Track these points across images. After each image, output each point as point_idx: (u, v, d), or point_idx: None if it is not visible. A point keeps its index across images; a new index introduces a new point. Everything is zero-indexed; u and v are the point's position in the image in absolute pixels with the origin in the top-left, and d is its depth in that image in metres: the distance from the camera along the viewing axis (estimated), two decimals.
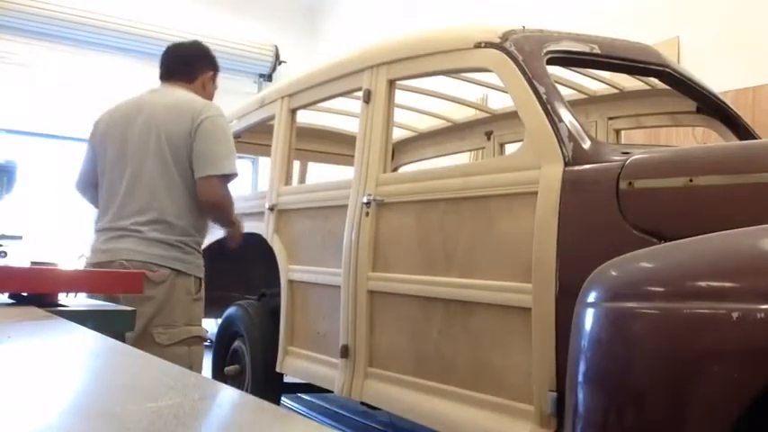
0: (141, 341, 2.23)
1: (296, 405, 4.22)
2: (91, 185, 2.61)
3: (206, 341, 2.56)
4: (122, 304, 2.11)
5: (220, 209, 2.53)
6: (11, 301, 1.52)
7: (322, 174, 4.39)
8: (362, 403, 2.75)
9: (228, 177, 2.46)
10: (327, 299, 2.91)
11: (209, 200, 2.44)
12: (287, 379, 3.39)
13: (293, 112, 3.39)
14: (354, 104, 3.07)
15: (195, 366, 2.42)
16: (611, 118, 3.23)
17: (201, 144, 2.40)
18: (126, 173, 2.43)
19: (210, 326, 4.49)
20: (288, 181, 3.40)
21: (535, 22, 2.42)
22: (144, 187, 2.40)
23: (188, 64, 2.59)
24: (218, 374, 3.63)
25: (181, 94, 2.51)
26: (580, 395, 1.47)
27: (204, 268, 2.61)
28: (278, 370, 3.21)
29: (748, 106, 3.58)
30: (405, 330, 2.48)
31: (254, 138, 4.08)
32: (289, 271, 3.19)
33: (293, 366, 3.14)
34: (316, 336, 3.03)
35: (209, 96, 2.62)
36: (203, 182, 2.41)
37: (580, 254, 1.86)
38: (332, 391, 2.84)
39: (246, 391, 3.27)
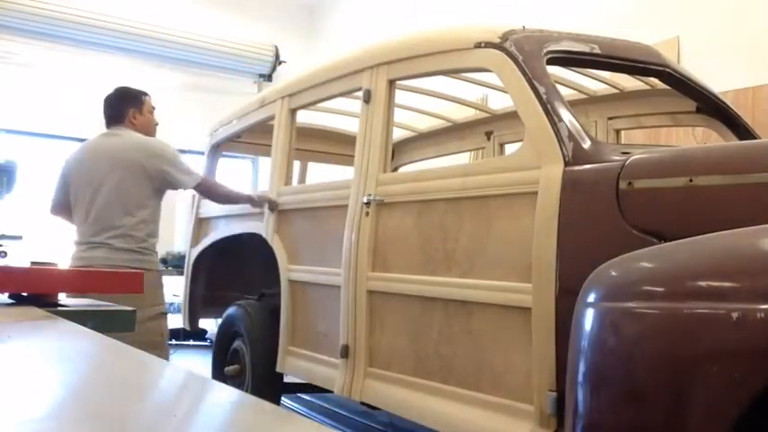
0: None
1: (296, 405, 4.22)
2: (64, 209, 3.31)
3: (167, 314, 3.27)
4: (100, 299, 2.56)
5: (220, 198, 3.53)
6: (11, 301, 1.53)
7: (322, 174, 4.39)
8: (362, 403, 2.75)
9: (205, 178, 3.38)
10: (327, 299, 2.91)
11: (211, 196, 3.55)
12: (287, 379, 3.39)
13: (293, 112, 3.39)
14: (354, 104, 3.07)
15: (165, 333, 3.18)
16: (611, 118, 3.23)
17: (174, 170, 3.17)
18: (96, 198, 3.12)
19: (210, 326, 4.50)
20: (288, 181, 3.40)
21: (535, 22, 2.42)
22: (111, 209, 3.10)
23: (114, 114, 3.32)
24: (218, 374, 3.62)
25: (130, 137, 3.22)
26: (580, 395, 1.47)
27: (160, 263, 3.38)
28: (278, 370, 3.21)
29: (748, 106, 3.58)
30: (405, 330, 2.48)
31: (254, 138, 4.08)
32: (288, 271, 3.19)
33: (294, 366, 3.14)
34: (316, 335, 3.03)
35: (142, 123, 3.31)
36: (197, 190, 3.39)
37: (580, 254, 1.86)
38: (332, 391, 2.84)
39: (246, 391, 3.27)
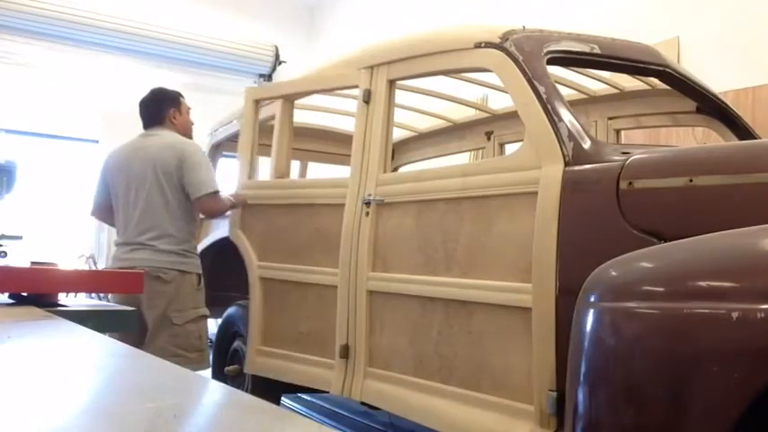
0: (161, 324, 3.03)
1: (296, 405, 4.22)
2: (105, 211, 3.31)
3: (208, 317, 3.31)
4: (143, 300, 2.87)
5: (216, 215, 3.41)
6: (11, 301, 1.53)
7: (322, 174, 4.38)
8: (362, 403, 2.75)
9: (215, 194, 3.16)
10: (316, 297, 2.89)
11: (207, 213, 3.34)
12: None
13: (257, 102, 3.41)
14: (350, 104, 3.07)
15: (203, 335, 3.21)
16: (611, 118, 3.23)
17: (190, 174, 3.12)
18: (137, 199, 3.12)
19: (210, 326, 4.50)
20: (251, 175, 3.36)
21: (535, 22, 2.42)
22: (153, 210, 3.10)
23: (154, 114, 3.30)
24: (219, 374, 3.62)
25: (166, 137, 3.21)
26: (580, 395, 1.47)
27: (201, 267, 3.30)
28: (246, 371, 3.20)
29: (748, 106, 3.58)
30: (405, 330, 2.48)
31: None
32: (260, 269, 3.17)
33: (266, 366, 3.11)
34: (296, 335, 3.00)
35: (182, 123, 3.32)
36: (197, 202, 3.15)
37: (580, 254, 1.86)
38: (318, 390, 2.84)
39: (246, 391, 3.27)
